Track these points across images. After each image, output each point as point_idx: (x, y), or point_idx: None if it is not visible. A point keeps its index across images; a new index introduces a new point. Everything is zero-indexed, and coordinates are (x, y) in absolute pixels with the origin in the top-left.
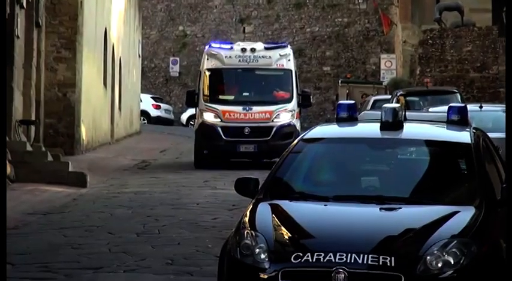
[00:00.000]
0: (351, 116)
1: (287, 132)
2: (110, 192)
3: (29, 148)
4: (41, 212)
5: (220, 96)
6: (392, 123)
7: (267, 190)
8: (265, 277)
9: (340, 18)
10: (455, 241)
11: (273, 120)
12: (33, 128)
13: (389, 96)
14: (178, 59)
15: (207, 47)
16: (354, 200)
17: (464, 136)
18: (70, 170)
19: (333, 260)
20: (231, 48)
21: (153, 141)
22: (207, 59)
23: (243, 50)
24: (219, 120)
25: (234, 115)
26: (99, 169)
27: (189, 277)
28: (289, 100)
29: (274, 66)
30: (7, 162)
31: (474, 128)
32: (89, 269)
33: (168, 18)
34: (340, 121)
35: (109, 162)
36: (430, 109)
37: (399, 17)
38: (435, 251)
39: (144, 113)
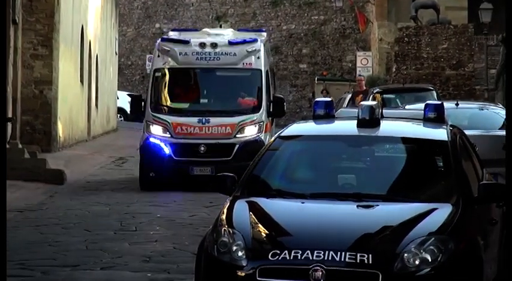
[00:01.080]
0: (328, 114)
1: (253, 150)
2: (87, 189)
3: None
4: (18, 209)
5: (172, 105)
6: (369, 120)
7: (244, 187)
8: (243, 274)
9: (317, 16)
10: (432, 238)
11: (235, 136)
12: (10, 125)
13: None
14: None
15: (158, 40)
16: (331, 197)
17: (441, 133)
18: (47, 167)
19: (311, 258)
20: (188, 42)
21: (129, 138)
22: (158, 56)
23: (202, 45)
24: (168, 135)
25: (186, 129)
26: (76, 166)
27: (166, 275)
28: (257, 109)
29: (240, 66)
30: None
31: (451, 125)
32: (66, 266)
33: (145, 16)
34: (317, 118)
35: (86, 159)
36: (407, 107)
37: (375, 14)
38: (412, 249)
39: (121, 110)
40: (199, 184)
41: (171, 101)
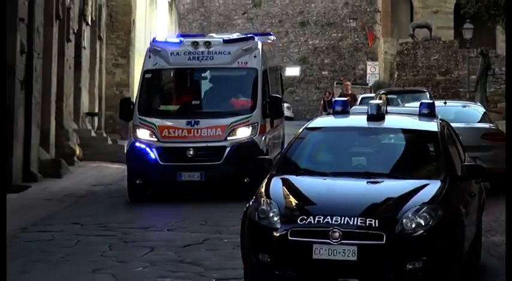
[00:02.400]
0: (344, 110)
1: (246, 153)
2: None
3: (93, 134)
4: (103, 184)
5: (161, 107)
6: (377, 115)
7: (279, 167)
8: (277, 235)
9: (335, 34)
10: (425, 207)
11: (226, 138)
12: (96, 118)
13: (374, 95)
14: None
15: (151, 41)
16: (346, 175)
17: (432, 126)
18: (125, 151)
19: (330, 222)
20: (180, 42)
21: None
22: (149, 57)
23: (195, 44)
24: (155, 139)
25: (174, 132)
26: None
27: (218, 235)
28: (251, 110)
29: (235, 65)
30: (77, 145)
31: (440, 119)
32: (140, 228)
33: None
34: (335, 114)
35: None
36: (406, 105)
37: (381, 32)
38: (410, 215)
39: None
40: (188, 191)
41: (160, 103)
